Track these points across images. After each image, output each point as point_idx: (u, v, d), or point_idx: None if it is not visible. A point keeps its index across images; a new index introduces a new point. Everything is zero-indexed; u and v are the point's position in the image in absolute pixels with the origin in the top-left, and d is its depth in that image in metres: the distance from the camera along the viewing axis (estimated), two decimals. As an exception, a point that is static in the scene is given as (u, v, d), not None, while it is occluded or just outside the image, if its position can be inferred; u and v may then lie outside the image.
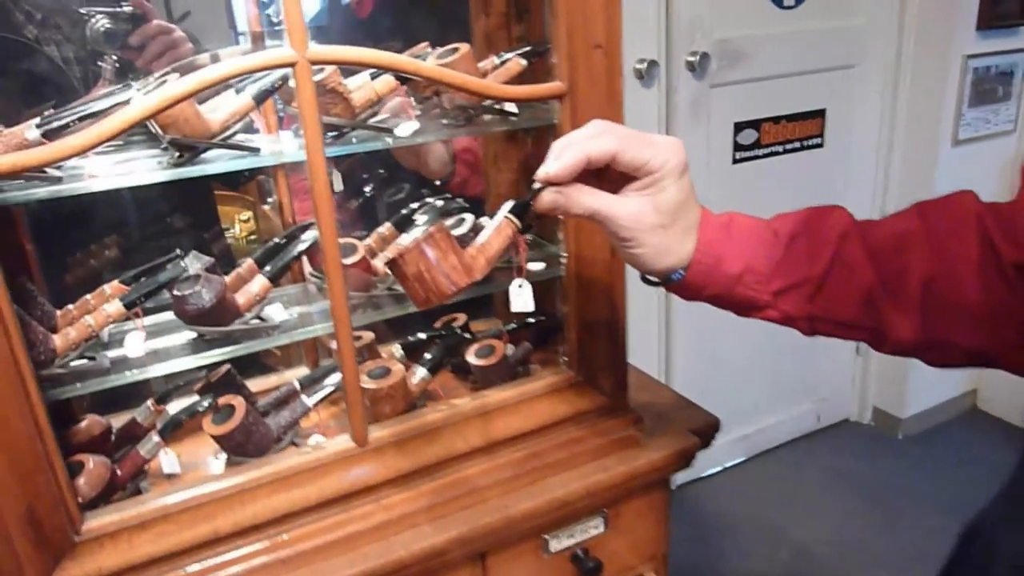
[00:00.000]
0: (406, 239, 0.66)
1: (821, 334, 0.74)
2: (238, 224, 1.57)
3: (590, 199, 0.68)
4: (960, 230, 0.67)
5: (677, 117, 2.25)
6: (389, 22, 1.40)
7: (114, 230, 1.17)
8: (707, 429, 1.10)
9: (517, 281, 0.80)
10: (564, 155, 0.66)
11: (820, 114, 2.52)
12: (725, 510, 2.53)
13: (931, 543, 2.22)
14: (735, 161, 2.41)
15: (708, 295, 0.73)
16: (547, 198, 0.68)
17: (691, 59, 2.20)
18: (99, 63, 1.10)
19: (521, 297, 0.83)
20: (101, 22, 1.09)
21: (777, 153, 2.49)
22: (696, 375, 2.52)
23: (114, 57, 1.09)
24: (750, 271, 0.71)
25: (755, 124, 2.41)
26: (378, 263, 0.94)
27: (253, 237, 1.56)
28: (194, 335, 0.88)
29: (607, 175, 0.69)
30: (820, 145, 2.56)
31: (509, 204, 0.71)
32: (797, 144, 2.51)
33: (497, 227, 0.70)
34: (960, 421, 2.97)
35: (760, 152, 2.45)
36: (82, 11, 1.10)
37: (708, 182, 2.35)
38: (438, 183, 1.34)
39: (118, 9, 1.10)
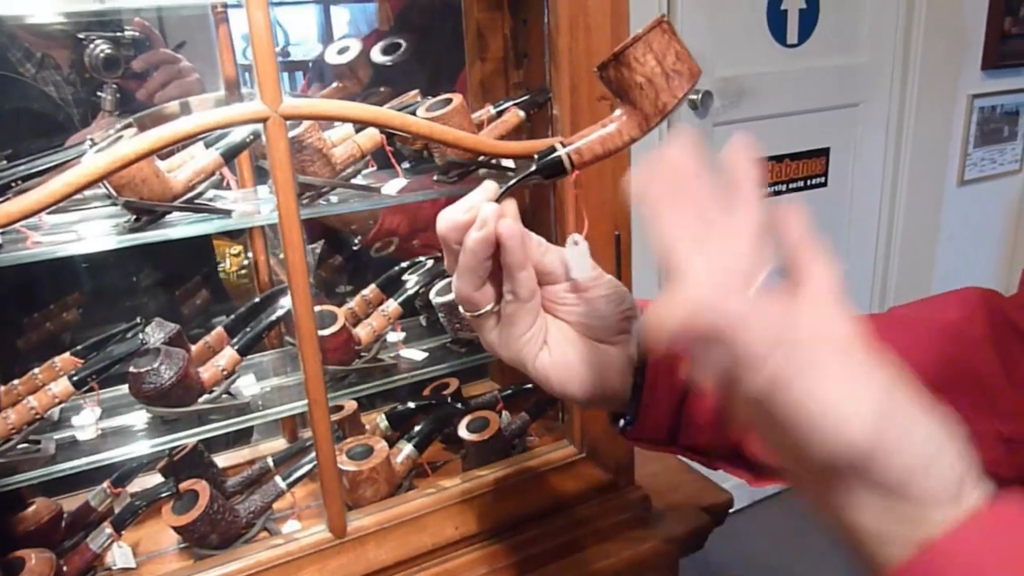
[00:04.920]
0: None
1: None
2: (228, 258, 1.49)
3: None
4: None
5: (678, 156, 2.18)
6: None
7: (77, 288, 1.08)
8: (720, 507, 1.02)
9: (572, 238, 0.53)
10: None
11: (824, 153, 2.47)
12: (728, 556, 2.42)
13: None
14: (737, 201, 2.35)
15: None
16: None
17: (693, 97, 2.14)
18: (99, 93, 1.02)
19: (577, 260, 0.55)
20: (100, 47, 1.01)
21: (780, 192, 2.42)
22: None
23: (114, 86, 1.02)
24: None
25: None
26: (360, 331, 0.86)
27: (244, 271, 1.48)
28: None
29: None
30: (824, 184, 2.50)
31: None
32: (800, 183, 2.45)
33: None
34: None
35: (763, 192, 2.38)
36: (80, 36, 1.02)
37: (710, 223, 2.28)
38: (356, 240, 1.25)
39: (119, 34, 1.02)
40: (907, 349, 0.58)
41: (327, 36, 1.66)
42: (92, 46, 1.02)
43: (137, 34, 1.04)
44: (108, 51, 1.02)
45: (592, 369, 0.54)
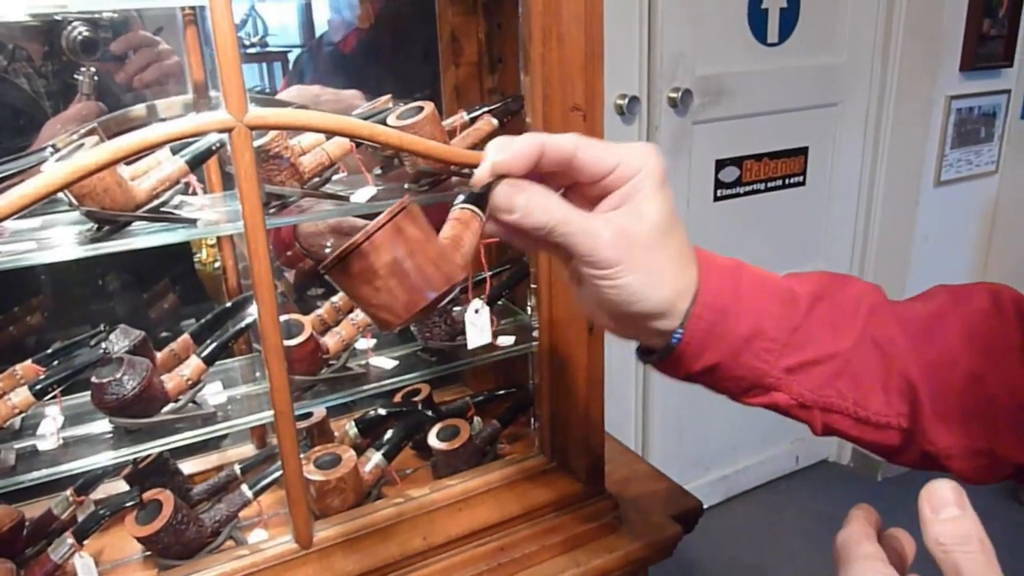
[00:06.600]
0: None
1: (837, 433, 0.59)
2: (204, 248, 1.47)
3: (558, 205, 0.50)
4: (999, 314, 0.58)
5: (658, 154, 2.18)
6: (371, 60, 1.32)
7: (41, 291, 1.06)
8: (689, 514, 1.02)
9: (474, 304, 0.57)
10: (513, 144, 0.50)
11: (803, 152, 2.47)
12: (703, 552, 2.45)
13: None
14: (716, 199, 2.35)
15: (706, 364, 0.57)
16: (503, 191, 0.50)
17: (673, 95, 2.13)
18: (76, 76, 1.00)
19: (478, 326, 0.63)
20: (78, 29, 0.99)
21: (759, 191, 2.43)
22: (674, 415, 2.43)
23: (92, 69, 0.99)
24: (760, 335, 0.56)
25: (737, 161, 2.35)
26: (329, 340, 0.85)
27: (217, 264, 1.47)
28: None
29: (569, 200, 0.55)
30: (802, 183, 2.51)
31: (461, 196, 0.52)
32: (779, 182, 2.46)
33: (458, 219, 0.49)
34: (941, 463, 2.92)
35: (742, 190, 2.39)
36: (57, 17, 1.00)
37: (688, 220, 2.28)
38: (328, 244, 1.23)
39: (97, 15, 1.00)
40: (939, 360, 0.58)
41: (309, 26, 1.64)
42: (70, 28, 1.00)
43: (115, 16, 1.02)
44: (86, 33, 1.00)
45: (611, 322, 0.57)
